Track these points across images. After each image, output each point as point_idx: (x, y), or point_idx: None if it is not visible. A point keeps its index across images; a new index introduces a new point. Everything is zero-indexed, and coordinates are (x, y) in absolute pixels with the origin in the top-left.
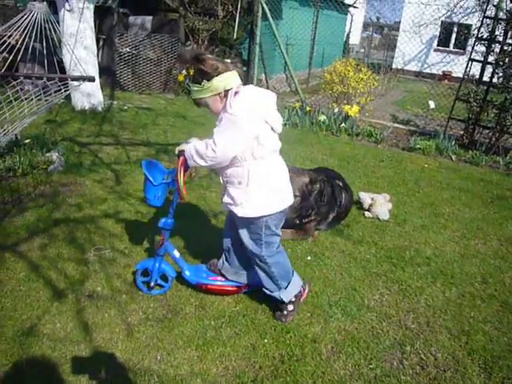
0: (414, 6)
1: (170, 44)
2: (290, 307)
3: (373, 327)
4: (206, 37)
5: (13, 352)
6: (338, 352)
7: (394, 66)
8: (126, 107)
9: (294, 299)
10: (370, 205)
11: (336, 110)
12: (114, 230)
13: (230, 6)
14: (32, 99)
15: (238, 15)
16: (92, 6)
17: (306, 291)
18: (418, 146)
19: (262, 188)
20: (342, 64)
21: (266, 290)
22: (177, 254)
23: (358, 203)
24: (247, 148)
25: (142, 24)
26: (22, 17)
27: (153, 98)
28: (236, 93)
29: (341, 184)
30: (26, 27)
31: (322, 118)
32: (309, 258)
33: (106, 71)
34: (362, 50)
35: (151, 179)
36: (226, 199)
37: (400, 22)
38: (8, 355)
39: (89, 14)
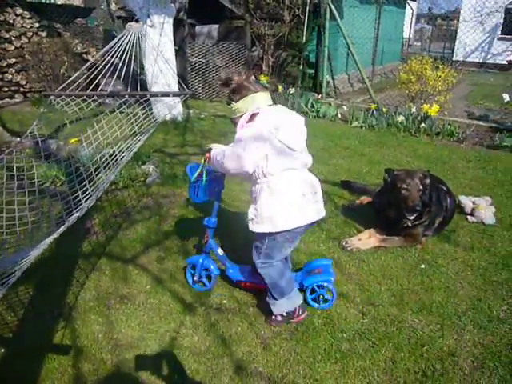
0: None
1: (238, 51)
2: (278, 318)
3: (510, 341)
4: (271, 42)
5: (160, 365)
6: (480, 367)
7: (454, 58)
8: (202, 116)
9: (284, 314)
10: (473, 209)
11: (413, 110)
12: (223, 242)
13: (297, 10)
14: (139, 116)
15: (306, 18)
16: (171, 21)
17: (303, 316)
18: (506, 144)
19: (269, 205)
20: (417, 62)
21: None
22: (220, 251)
23: (458, 207)
24: (257, 166)
25: (209, 33)
26: (121, 38)
27: (225, 106)
28: (257, 114)
29: (445, 188)
30: (125, 48)
31: (400, 118)
32: (423, 266)
33: (180, 81)
34: (416, 43)
35: (190, 177)
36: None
37: (455, 11)
38: (156, 368)
39: (168, 28)
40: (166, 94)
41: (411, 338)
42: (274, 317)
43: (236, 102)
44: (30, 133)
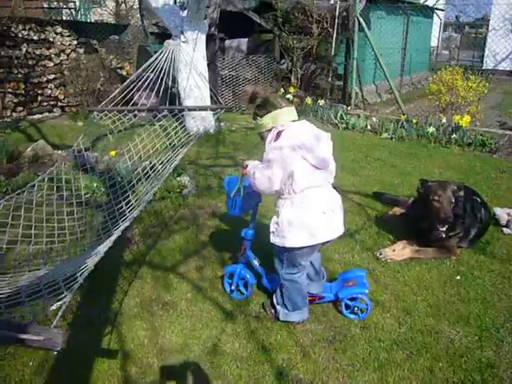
0: (504, 1)
1: (266, 64)
2: (277, 316)
3: None
4: (300, 54)
5: (206, 369)
6: None
7: (484, 67)
8: (233, 128)
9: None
10: (508, 221)
11: (444, 121)
12: (257, 252)
13: (325, 23)
14: (178, 130)
15: (335, 31)
16: (204, 36)
17: (301, 325)
18: None
19: (290, 222)
20: (448, 73)
21: (274, 298)
22: (257, 262)
23: (493, 219)
24: (284, 183)
25: (238, 46)
26: (160, 54)
27: None
28: (282, 131)
29: (479, 200)
30: (163, 64)
31: (431, 129)
32: (458, 277)
33: (216, 94)
34: (444, 52)
35: (228, 191)
36: None
37: (483, 18)
38: (202, 373)
39: (201, 44)
40: (204, 109)
41: (449, 349)
42: (273, 310)
43: (261, 117)
44: (77, 146)
